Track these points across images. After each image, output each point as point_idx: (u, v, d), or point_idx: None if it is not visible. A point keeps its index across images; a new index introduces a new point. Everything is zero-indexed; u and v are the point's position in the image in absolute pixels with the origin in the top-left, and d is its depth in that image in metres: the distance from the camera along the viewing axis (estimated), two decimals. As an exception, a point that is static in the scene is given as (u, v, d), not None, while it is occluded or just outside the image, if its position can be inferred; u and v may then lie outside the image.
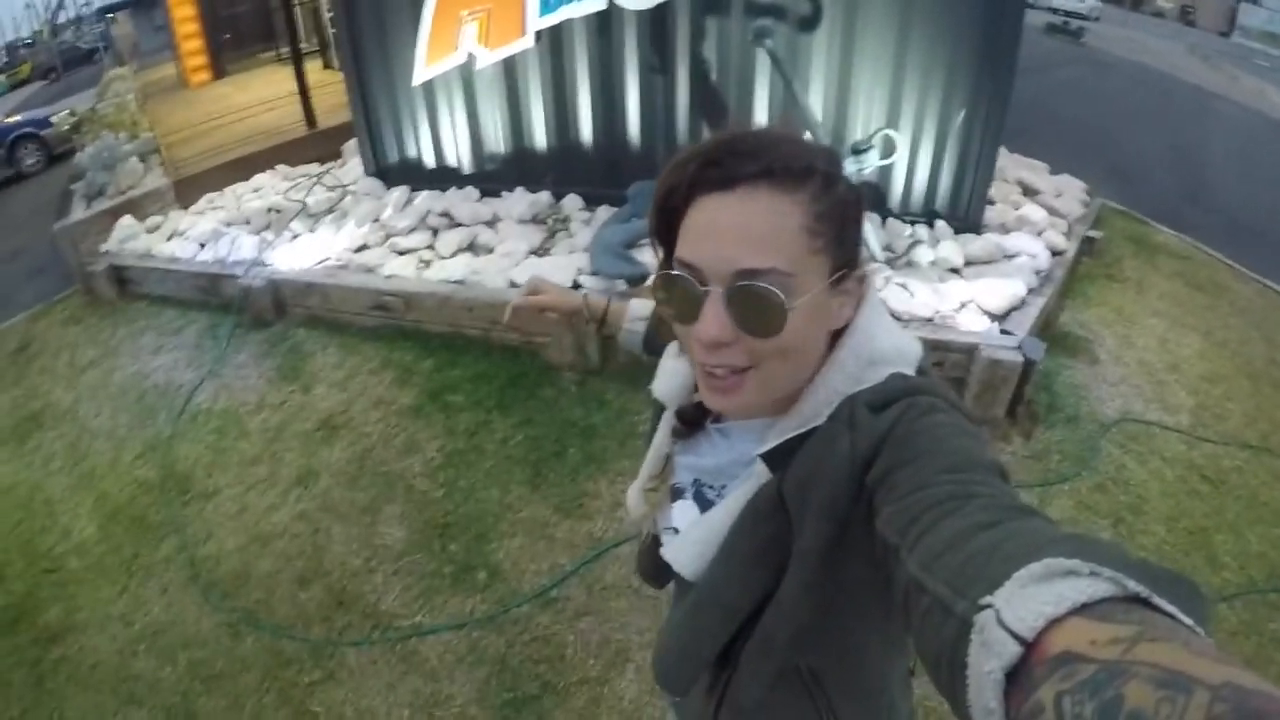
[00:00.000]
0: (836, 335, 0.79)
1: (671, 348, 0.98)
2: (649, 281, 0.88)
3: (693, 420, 0.95)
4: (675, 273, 0.75)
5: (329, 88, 7.10)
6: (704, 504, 0.93)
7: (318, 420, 3.91)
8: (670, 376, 0.97)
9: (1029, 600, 0.42)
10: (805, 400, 0.78)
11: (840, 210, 0.74)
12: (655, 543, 1.01)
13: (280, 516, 3.39)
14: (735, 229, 0.71)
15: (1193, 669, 0.35)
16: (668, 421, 0.98)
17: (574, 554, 3.06)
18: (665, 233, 0.79)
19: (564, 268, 4.29)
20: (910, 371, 0.78)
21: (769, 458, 0.79)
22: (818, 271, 0.73)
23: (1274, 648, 2.70)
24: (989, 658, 0.43)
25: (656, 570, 1.04)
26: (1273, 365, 4.32)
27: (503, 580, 2.99)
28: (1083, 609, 0.41)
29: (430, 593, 2.97)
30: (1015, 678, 0.41)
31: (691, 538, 0.89)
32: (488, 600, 2.92)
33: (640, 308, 1.24)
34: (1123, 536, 3.09)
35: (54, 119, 11.01)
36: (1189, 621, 0.40)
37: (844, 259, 0.75)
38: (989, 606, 0.44)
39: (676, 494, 0.97)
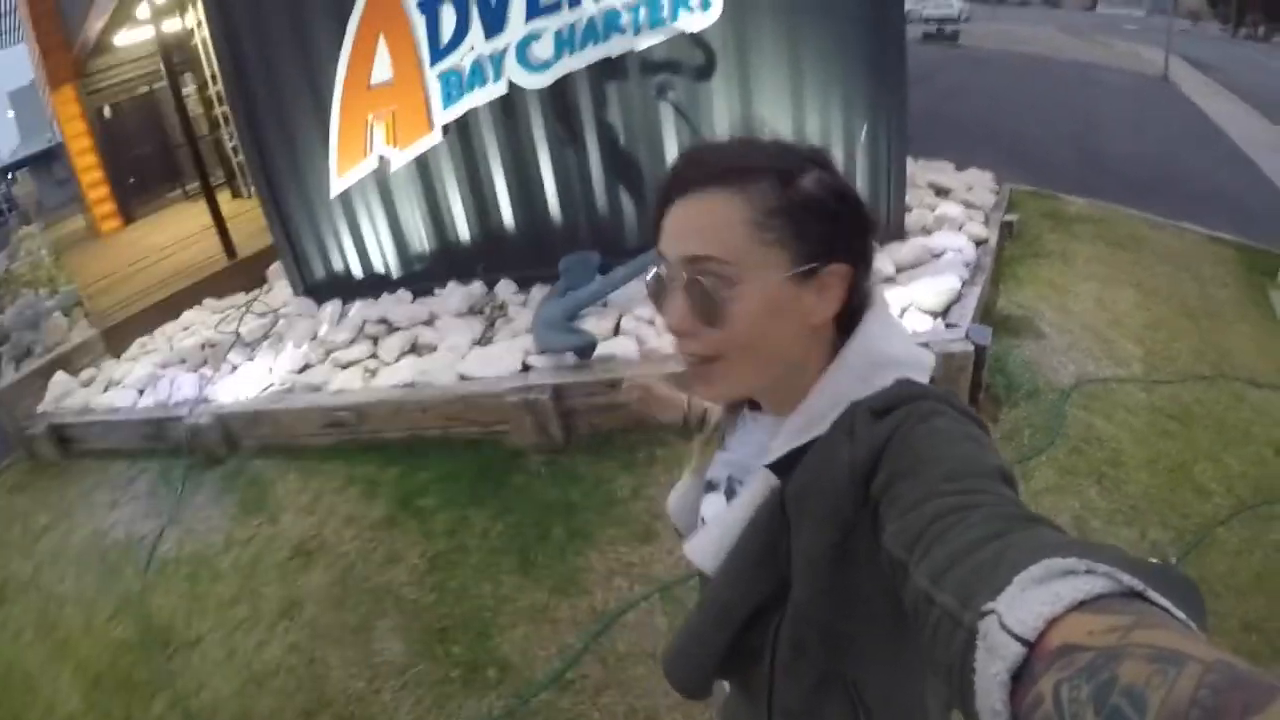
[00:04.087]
0: (843, 337, 0.82)
1: None
2: None
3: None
4: (658, 269, 0.83)
5: (242, 216, 7.13)
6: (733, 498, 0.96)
7: (291, 548, 3.80)
8: None
9: (1029, 602, 0.44)
10: (812, 400, 0.80)
11: (800, 205, 0.77)
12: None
13: (271, 652, 3.27)
14: (685, 222, 0.79)
15: (1187, 648, 0.37)
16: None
17: (580, 631, 3.00)
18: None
19: (511, 352, 4.27)
20: (922, 378, 0.79)
21: (774, 466, 0.82)
22: (773, 263, 0.76)
23: (1280, 556, 2.74)
24: (994, 661, 0.44)
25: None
26: (1205, 299, 4.49)
27: (514, 672, 2.91)
28: (1081, 605, 0.42)
29: (443, 700, 2.87)
30: (1020, 677, 0.43)
31: (710, 533, 0.91)
32: (504, 695, 2.83)
33: None
34: (1108, 490, 3.16)
35: (-35, 289, 10.68)
36: (1182, 616, 0.42)
37: (810, 252, 0.77)
38: (991, 612, 0.46)
39: (710, 488, 0.99)
